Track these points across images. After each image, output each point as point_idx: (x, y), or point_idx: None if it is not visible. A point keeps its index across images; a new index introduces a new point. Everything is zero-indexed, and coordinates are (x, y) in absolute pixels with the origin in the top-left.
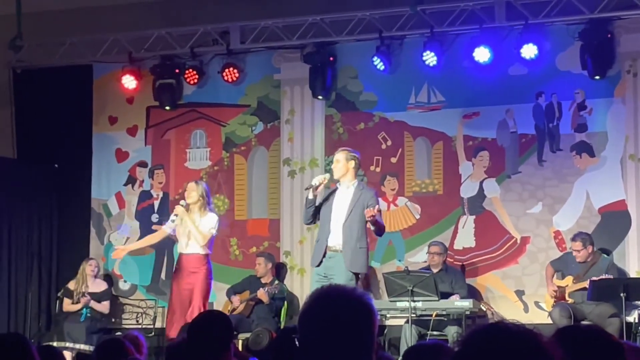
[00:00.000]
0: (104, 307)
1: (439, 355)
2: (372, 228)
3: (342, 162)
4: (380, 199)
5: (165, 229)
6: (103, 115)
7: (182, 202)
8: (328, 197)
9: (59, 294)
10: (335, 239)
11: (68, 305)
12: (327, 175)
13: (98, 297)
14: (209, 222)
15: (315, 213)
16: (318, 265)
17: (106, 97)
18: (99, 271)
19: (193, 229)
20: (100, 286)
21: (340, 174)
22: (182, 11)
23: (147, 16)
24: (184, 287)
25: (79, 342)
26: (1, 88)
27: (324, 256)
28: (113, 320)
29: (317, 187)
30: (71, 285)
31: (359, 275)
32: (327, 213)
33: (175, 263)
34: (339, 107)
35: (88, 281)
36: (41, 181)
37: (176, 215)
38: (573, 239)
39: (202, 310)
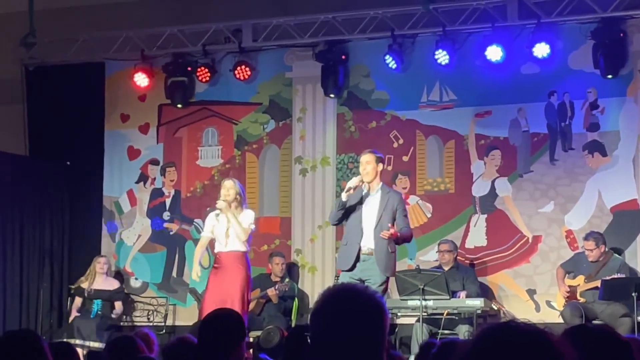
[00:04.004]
0: (117, 307)
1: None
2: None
3: (373, 165)
4: None
5: (207, 235)
6: (115, 112)
7: (221, 199)
8: (359, 201)
9: (71, 289)
10: (366, 243)
11: (77, 302)
12: (361, 177)
13: (109, 296)
14: (247, 218)
15: (344, 216)
16: (351, 269)
17: (118, 94)
18: (109, 268)
19: (235, 224)
20: (112, 284)
21: (371, 177)
22: (194, 9)
23: (160, 14)
24: (226, 287)
25: (90, 339)
26: (13, 85)
27: (357, 260)
28: (125, 317)
29: (354, 189)
30: (82, 283)
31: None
32: (357, 216)
33: (212, 262)
34: (350, 106)
35: (98, 279)
36: (53, 178)
37: (220, 209)
38: (585, 238)
39: (245, 309)
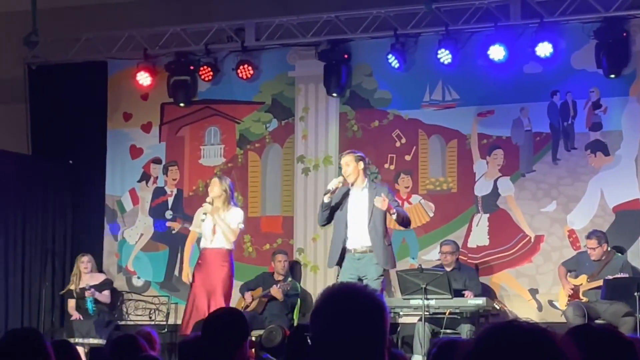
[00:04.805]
0: (104, 296)
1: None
2: (395, 219)
3: (352, 165)
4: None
5: (195, 230)
6: (117, 111)
7: (207, 200)
8: (342, 200)
9: (62, 294)
10: (360, 241)
11: (72, 304)
12: (341, 179)
13: (98, 288)
14: (235, 217)
15: (330, 215)
16: (339, 265)
17: (121, 93)
18: (93, 266)
19: (223, 225)
20: (98, 278)
21: (354, 177)
22: (196, 8)
23: (162, 13)
24: (209, 283)
25: (89, 336)
26: (16, 84)
27: (341, 258)
28: (127, 315)
29: (333, 191)
30: (71, 286)
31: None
32: (342, 216)
33: (197, 258)
34: (353, 105)
35: (84, 277)
36: (55, 177)
37: (205, 214)
38: (588, 237)
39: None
